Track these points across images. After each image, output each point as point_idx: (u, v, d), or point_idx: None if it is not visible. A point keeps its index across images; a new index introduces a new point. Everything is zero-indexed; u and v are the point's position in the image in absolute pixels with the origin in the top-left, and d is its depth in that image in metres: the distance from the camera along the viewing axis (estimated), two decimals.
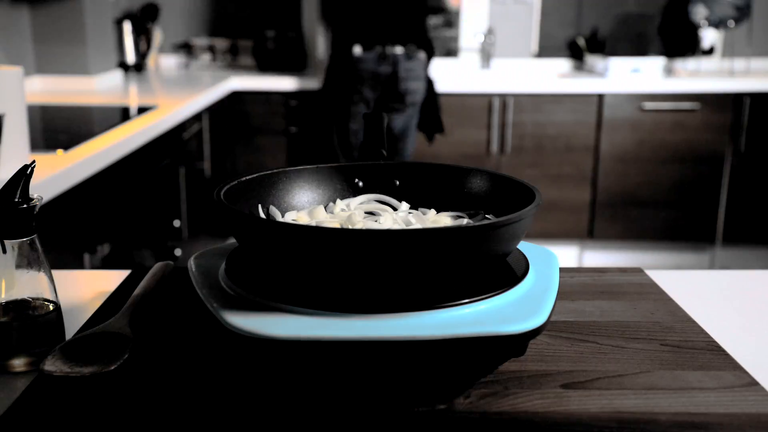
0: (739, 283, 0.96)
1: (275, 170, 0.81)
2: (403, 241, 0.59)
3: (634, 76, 3.44)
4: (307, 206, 0.81)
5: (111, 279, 0.94)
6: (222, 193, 0.71)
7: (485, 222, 0.63)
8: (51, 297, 0.70)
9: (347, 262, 0.60)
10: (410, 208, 0.81)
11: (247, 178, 0.78)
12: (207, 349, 0.69)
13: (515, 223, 0.63)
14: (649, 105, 3.36)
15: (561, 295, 0.81)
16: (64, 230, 1.64)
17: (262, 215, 0.77)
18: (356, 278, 0.61)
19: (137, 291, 0.79)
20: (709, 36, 3.72)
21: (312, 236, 0.60)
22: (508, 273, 0.68)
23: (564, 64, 3.86)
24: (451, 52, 3.85)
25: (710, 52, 3.75)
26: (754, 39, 3.77)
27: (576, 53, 3.85)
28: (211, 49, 3.83)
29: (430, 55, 3.07)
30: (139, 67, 3.55)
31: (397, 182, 0.83)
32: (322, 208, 0.77)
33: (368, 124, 0.94)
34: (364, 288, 0.62)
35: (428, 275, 0.62)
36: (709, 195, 3.46)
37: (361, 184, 0.84)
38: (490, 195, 0.78)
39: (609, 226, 3.51)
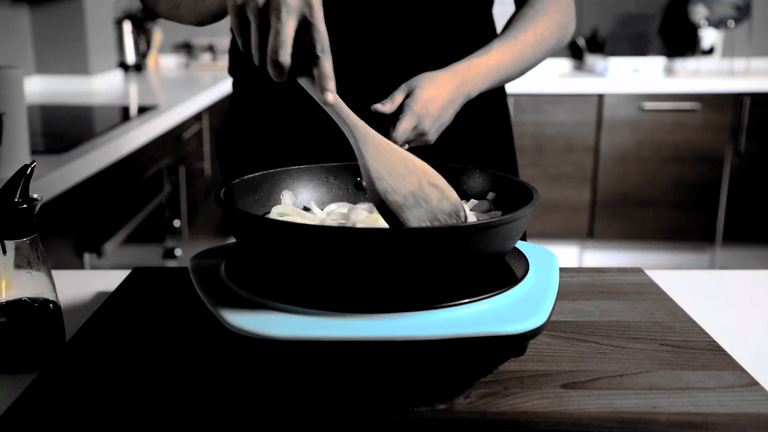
0: (739, 283, 0.96)
1: (279, 169, 0.81)
2: (398, 240, 0.59)
3: (634, 76, 3.44)
4: (309, 204, 0.81)
5: (111, 279, 0.94)
6: (223, 191, 0.71)
7: (480, 222, 0.63)
8: (51, 297, 0.70)
9: (340, 260, 0.60)
10: None
11: (250, 176, 0.78)
12: (207, 349, 0.69)
13: (509, 223, 0.63)
14: (649, 105, 3.36)
15: (561, 295, 0.81)
16: (64, 230, 1.64)
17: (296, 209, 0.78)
18: (351, 275, 0.61)
19: None
20: (709, 36, 3.72)
21: (311, 235, 0.60)
22: (508, 273, 0.68)
23: (564, 64, 3.86)
24: None
25: (710, 52, 3.75)
26: (754, 39, 3.77)
27: (576, 53, 3.85)
28: (211, 49, 3.83)
29: None
30: (139, 67, 3.54)
31: None
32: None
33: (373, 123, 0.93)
34: (358, 285, 0.62)
35: (423, 273, 0.62)
36: (709, 195, 3.46)
37: (364, 183, 0.83)
38: (490, 193, 0.79)
39: (609, 226, 3.51)
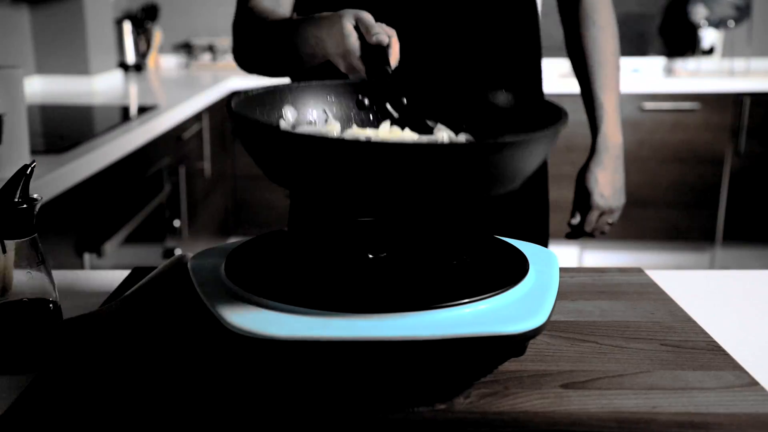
0: (739, 283, 0.96)
1: (280, 85, 0.77)
2: (416, 153, 0.54)
3: (634, 76, 3.44)
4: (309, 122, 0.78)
5: (111, 279, 0.94)
6: (234, 104, 0.68)
7: (492, 141, 0.56)
8: (51, 297, 0.70)
9: (357, 171, 0.56)
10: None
11: (254, 92, 0.73)
12: (207, 349, 0.69)
13: (530, 143, 0.57)
14: (649, 105, 3.36)
15: (561, 295, 0.81)
16: (64, 230, 1.64)
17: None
18: (366, 187, 0.57)
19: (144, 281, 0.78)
20: (709, 36, 3.72)
21: (319, 145, 0.56)
22: (507, 273, 0.68)
23: (564, 64, 3.86)
24: None
25: (710, 52, 3.75)
26: (754, 39, 3.77)
27: None
28: (211, 49, 3.83)
29: None
30: (139, 67, 3.55)
31: (405, 100, 0.79)
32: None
33: (367, 52, 0.89)
34: (370, 201, 0.58)
35: (442, 189, 0.57)
36: (709, 195, 3.46)
37: (366, 101, 0.79)
38: (509, 112, 0.74)
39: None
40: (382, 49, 0.88)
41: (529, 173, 0.62)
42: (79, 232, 1.72)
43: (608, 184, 1.26)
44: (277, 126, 0.73)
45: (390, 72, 0.84)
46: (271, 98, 0.76)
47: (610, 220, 1.29)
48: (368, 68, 0.86)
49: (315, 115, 0.79)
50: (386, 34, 0.84)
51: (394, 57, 0.82)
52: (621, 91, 1.29)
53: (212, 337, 0.71)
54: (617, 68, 1.25)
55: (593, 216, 1.28)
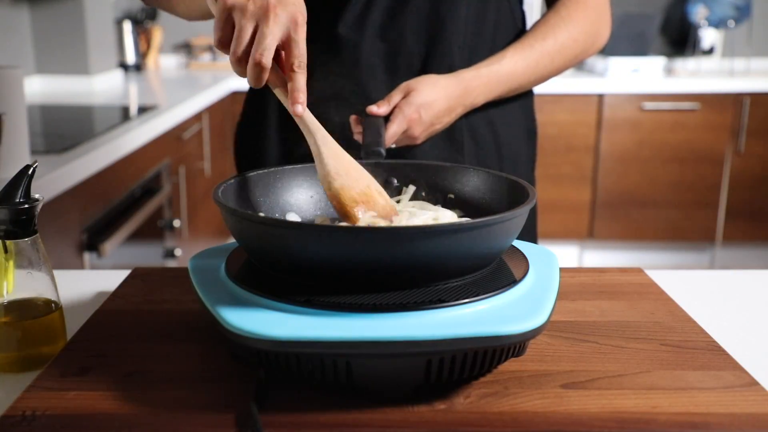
0: (739, 283, 0.96)
1: (273, 168, 0.81)
2: (389, 237, 0.60)
3: (634, 76, 3.44)
4: (305, 204, 0.81)
5: (111, 279, 0.94)
6: (221, 190, 0.71)
7: (468, 222, 0.62)
8: (53, 297, 0.70)
9: (333, 256, 0.61)
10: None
11: (246, 175, 0.78)
12: (207, 349, 0.69)
13: (500, 223, 0.63)
14: (649, 105, 3.36)
15: (561, 295, 0.81)
16: (64, 230, 1.64)
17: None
18: (343, 271, 0.62)
19: None
20: (709, 36, 3.72)
21: (304, 233, 0.60)
22: (507, 273, 0.68)
23: None
24: None
25: (710, 52, 3.75)
26: (754, 39, 3.77)
27: None
28: (211, 49, 3.83)
29: None
30: (139, 67, 3.55)
31: (395, 181, 0.83)
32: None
33: (367, 124, 0.94)
34: (349, 282, 0.62)
35: (417, 270, 0.62)
36: (709, 195, 3.46)
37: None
38: (488, 194, 0.78)
39: (609, 226, 3.51)
40: (378, 120, 0.91)
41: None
42: (79, 232, 1.72)
43: (436, 106, 0.97)
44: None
45: (383, 154, 0.88)
46: (265, 182, 0.80)
47: (405, 140, 0.99)
48: (363, 148, 0.88)
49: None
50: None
51: (300, 92, 0.73)
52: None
53: (212, 337, 0.71)
54: (549, 59, 1.06)
55: (399, 127, 0.96)
